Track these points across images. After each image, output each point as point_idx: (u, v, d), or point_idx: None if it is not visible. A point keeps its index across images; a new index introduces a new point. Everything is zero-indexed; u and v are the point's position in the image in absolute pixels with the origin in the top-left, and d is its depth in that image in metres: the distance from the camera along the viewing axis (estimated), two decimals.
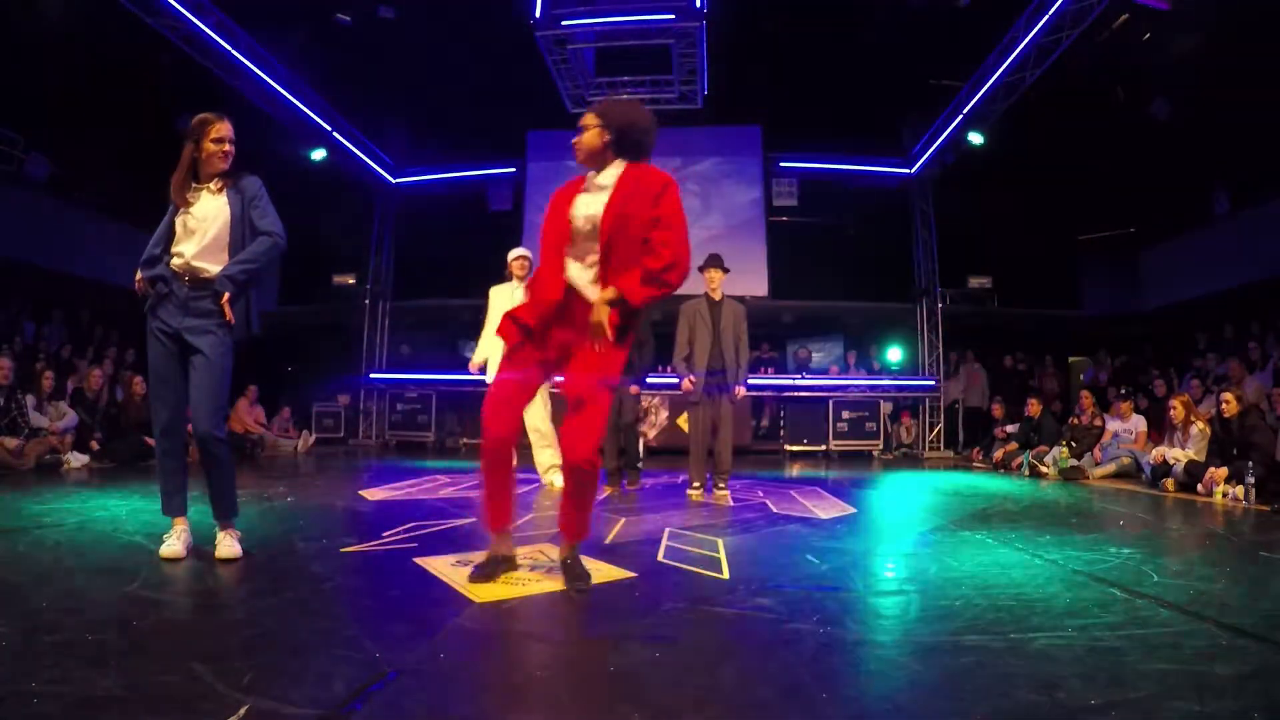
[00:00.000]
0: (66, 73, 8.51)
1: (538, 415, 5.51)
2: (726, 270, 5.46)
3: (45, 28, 7.78)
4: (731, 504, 4.78)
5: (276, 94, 9.16)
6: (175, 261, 2.77)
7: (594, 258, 2.43)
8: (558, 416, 5.72)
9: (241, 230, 2.81)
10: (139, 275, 2.82)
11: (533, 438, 5.56)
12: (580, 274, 2.45)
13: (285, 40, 9.26)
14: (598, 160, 2.46)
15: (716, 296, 5.36)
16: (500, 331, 2.53)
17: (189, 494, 2.86)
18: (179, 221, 2.80)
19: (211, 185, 2.82)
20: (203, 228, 2.78)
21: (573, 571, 2.48)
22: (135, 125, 9.26)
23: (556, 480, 5.48)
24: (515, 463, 2.60)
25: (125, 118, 9.26)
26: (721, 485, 5.36)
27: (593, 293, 2.41)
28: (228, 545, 2.76)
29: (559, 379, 2.80)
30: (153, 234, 2.84)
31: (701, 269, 5.43)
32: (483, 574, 2.47)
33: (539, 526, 3.67)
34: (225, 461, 2.82)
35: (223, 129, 2.81)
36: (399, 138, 11.52)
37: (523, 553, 2.98)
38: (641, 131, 2.46)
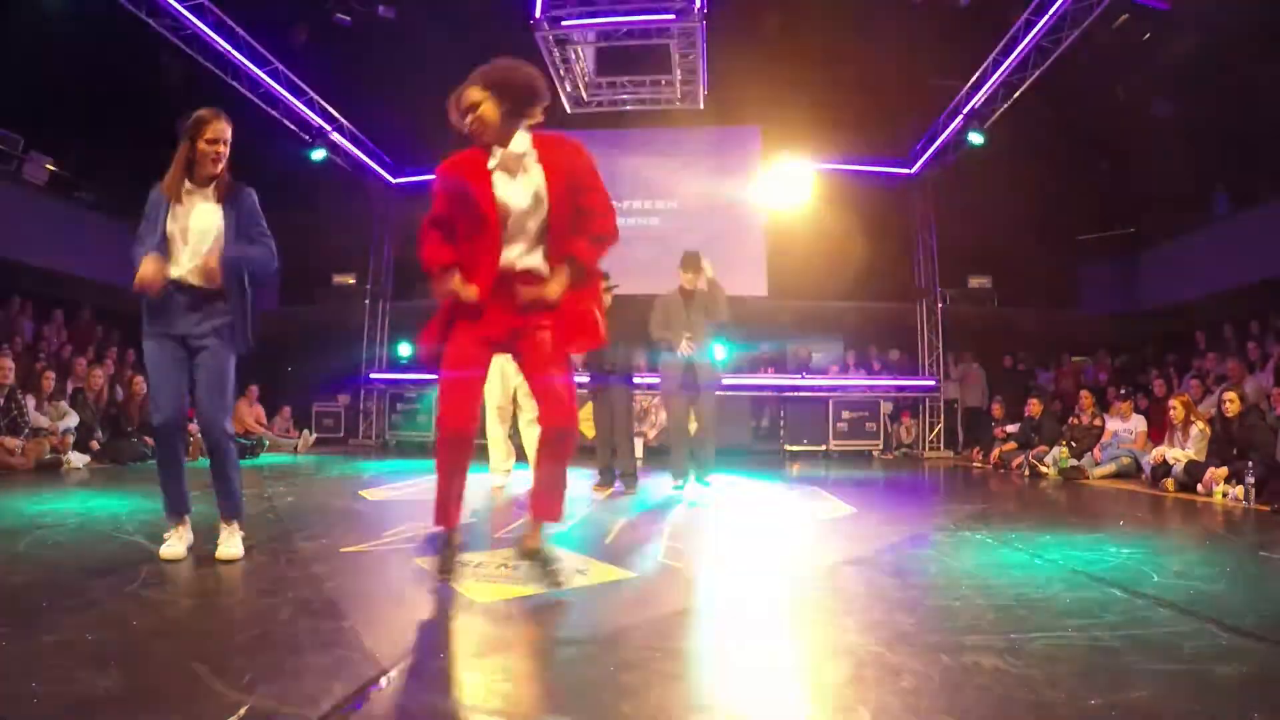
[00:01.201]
0: (66, 73, 8.50)
1: (530, 410, 5.49)
2: (701, 271, 5.31)
3: (45, 28, 7.78)
4: (729, 503, 4.77)
5: (276, 94, 9.15)
6: (174, 272, 2.70)
7: (534, 235, 2.31)
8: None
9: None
10: (148, 263, 2.62)
11: (525, 431, 5.54)
12: (522, 256, 2.31)
13: (285, 40, 9.26)
14: (500, 133, 2.27)
15: (690, 288, 5.30)
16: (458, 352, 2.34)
17: (190, 494, 2.85)
18: (173, 229, 2.71)
19: (209, 191, 2.75)
20: (195, 240, 2.71)
21: (543, 560, 2.34)
22: (135, 125, 9.25)
23: None
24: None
25: (125, 118, 9.25)
26: (705, 482, 5.25)
27: (544, 269, 2.32)
28: (231, 545, 2.75)
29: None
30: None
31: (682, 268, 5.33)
32: (445, 567, 2.39)
33: None
34: (233, 460, 2.82)
35: (218, 129, 2.71)
36: (399, 138, 11.52)
37: None
38: (534, 90, 2.29)
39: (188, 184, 2.75)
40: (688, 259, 5.37)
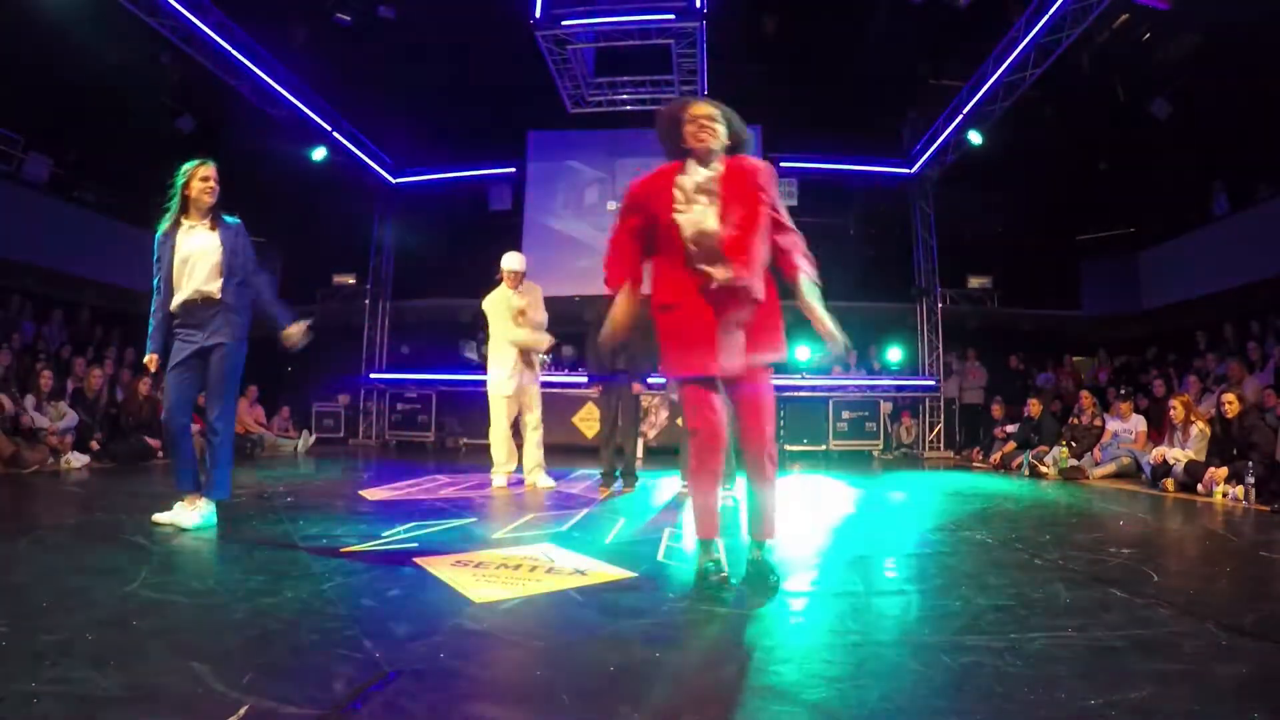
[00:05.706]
0: (66, 73, 8.50)
1: (533, 415, 5.48)
2: None
3: (45, 28, 7.77)
4: (728, 504, 4.77)
5: (276, 94, 9.15)
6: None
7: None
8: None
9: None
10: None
11: (528, 436, 5.53)
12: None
13: (285, 40, 9.26)
14: (715, 153, 2.54)
15: None
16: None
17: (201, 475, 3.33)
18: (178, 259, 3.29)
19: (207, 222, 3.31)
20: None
21: None
22: (135, 125, 9.25)
23: (540, 480, 5.44)
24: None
25: (125, 118, 9.25)
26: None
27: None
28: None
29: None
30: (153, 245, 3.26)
31: None
32: (711, 580, 2.44)
33: (539, 526, 3.68)
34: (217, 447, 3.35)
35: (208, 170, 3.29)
36: (399, 138, 11.52)
37: (522, 553, 2.99)
38: (743, 139, 2.67)
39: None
40: None
